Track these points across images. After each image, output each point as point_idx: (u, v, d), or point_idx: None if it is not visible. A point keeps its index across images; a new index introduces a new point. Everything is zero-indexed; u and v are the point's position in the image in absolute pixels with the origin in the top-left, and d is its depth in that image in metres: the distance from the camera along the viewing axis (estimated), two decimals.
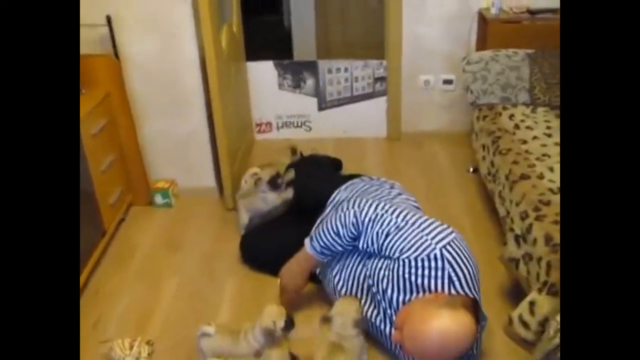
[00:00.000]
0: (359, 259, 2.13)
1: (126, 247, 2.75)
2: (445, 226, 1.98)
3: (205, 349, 1.97)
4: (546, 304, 1.78)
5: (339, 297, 2.15)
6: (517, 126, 2.72)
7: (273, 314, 1.92)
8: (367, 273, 2.07)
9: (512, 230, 2.20)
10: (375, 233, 1.99)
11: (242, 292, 2.43)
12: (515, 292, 2.20)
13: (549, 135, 2.61)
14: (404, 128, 3.72)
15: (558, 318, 1.60)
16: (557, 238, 1.94)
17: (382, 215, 2.00)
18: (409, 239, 1.94)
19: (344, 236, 2.05)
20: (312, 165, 2.97)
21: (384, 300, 1.99)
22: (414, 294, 1.92)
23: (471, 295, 1.89)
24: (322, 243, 2.10)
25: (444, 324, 1.72)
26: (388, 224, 1.99)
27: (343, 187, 2.46)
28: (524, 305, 1.85)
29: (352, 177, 2.60)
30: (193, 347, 2.02)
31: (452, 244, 1.93)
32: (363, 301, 2.08)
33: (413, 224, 1.97)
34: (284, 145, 3.26)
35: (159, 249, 2.74)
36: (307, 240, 2.14)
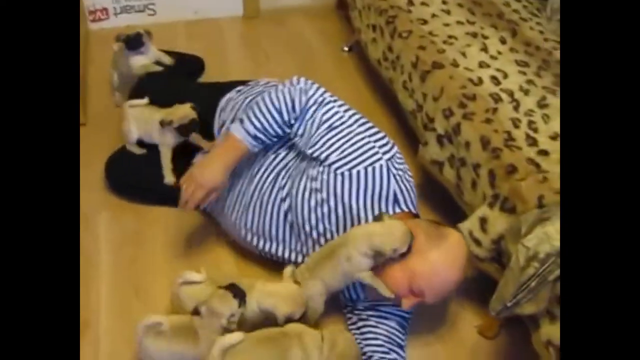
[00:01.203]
0: (271, 176, 1.77)
1: None
2: (384, 133, 1.71)
3: (185, 298, 1.62)
4: (500, 222, 1.61)
5: (243, 233, 1.82)
6: (410, 2, 2.41)
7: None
8: (286, 194, 1.73)
9: (433, 129, 1.96)
10: (316, 119, 1.65)
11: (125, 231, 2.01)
12: (436, 194, 2.01)
13: (448, 12, 2.34)
14: (263, 4, 3.24)
15: (529, 244, 1.42)
16: (495, 141, 1.74)
17: (329, 102, 1.67)
18: (353, 140, 1.64)
19: (286, 114, 1.66)
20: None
21: (308, 233, 1.69)
22: (348, 218, 1.65)
23: (413, 211, 1.70)
24: (258, 124, 1.66)
25: (448, 252, 1.56)
26: (333, 114, 1.66)
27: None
28: (473, 221, 1.67)
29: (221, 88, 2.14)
30: None
31: (397, 157, 1.68)
32: (281, 237, 1.76)
33: (357, 121, 1.68)
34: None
35: None
36: (235, 125, 1.69)
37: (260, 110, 1.66)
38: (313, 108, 1.65)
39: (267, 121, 1.66)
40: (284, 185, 1.72)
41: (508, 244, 1.54)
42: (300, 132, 1.68)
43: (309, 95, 1.65)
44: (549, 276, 1.39)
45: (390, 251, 1.53)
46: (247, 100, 1.94)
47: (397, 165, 1.66)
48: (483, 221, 1.63)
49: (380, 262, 1.56)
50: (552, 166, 1.65)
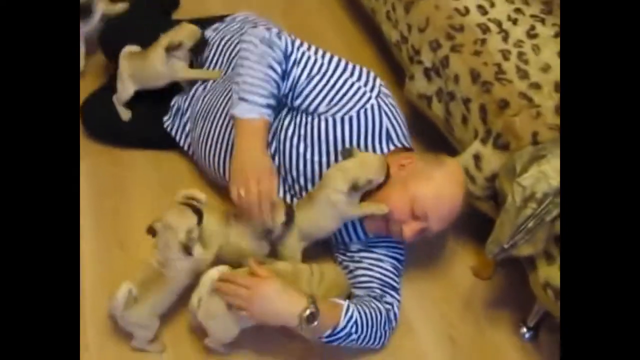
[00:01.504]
0: None
1: None
2: (365, 67, 1.64)
3: None
4: (494, 160, 1.57)
5: (228, 177, 1.74)
6: None
7: None
8: (272, 137, 1.64)
9: (419, 62, 1.89)
10: (295, 74, 1.57)
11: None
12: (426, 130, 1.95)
13: None
14: None
15: (525, 183, 1.38)
16: (486, 74, 1.68)
17: (303, 52, 1.58)
18: (337, 86, 1.57)
19: (279, 70, 1.53)
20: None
21: (295, 179, 1.64)
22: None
23: (407, 145, 1.66)
24: (262, 91, 1.50)
25: (450, 174, 1.54)
26: (313, 64, 1.58)
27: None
28: (467, 158, 1.63)
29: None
30: None
31: (382, 91, 1.62)
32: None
33: (337, 65, 1.60)
34: None
35: None
36: (241, 105, 1.50)
37: (253, 76, 1.51)
38: (292, 68, 1.55)
39: (267, 82, 1.51)
40: (270, 129, 1.64)
41: (502, 183, 1.51)
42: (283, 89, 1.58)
43: (288, 54, 1.55)
44: (546, 217, 1.37)
45: (366, 182, 1.49)
46: (225, 39, 1.84)
47: (386, 100, 1.61)
48: (477, 158, 1.60)
49: (360, 196, 1.52)
50: (545, 100, 1.60)
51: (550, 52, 1.77)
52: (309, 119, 1.59)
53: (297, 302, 1.37)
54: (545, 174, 1.36)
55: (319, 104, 1.57)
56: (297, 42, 1.58)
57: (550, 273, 1.42)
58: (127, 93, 1.89)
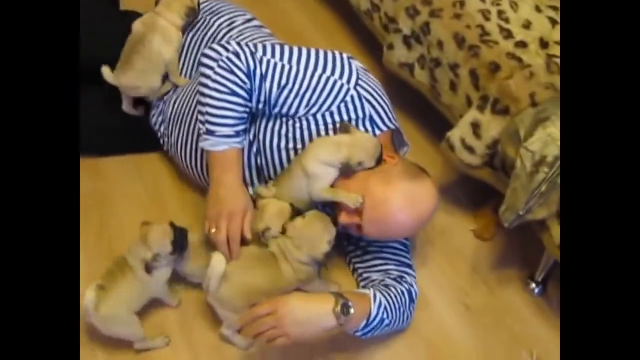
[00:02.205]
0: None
1: None
2: (338, 53, 1.56)
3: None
4: (494, 126, 1.56)
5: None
6: None
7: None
8: (253, 136, 1.58)
9: (398, 31, 1.84)
10: (266, 86, 1.49)
11: None
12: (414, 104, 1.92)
13: None
14: None
15: (534, 148, 1.38)
16: (471, 38, 1.66)
17: (268, 61, 1.48)
18: (312, 86, 1.50)
19: (241, 90, 1.47)
20: None
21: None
22: None
23: (393, 127, 1.61)
24: (228, 121, 1.46)
25: (415, 191, 1.43)
26: (281, 75, 1.49)
27: None
28: (463, 127, 1.61)
29: None
30: None
31: (361, 76, 1.55)
32: (249, 180, 1.64)
33: (306, 64, 1.51)
34: None
35: None
36: (208, 140, 1.48)
37: (216, 107, 1.46)
38: (261, 83, 1.47)
39: (232, 110, 1.46)
40: (251, 130, 1.58)
41: (506, 148, 1.50)
42: (256, 103, 1.51)
43: (253, 69, 1.46)
44: (558, 179, 1.37)
45: (356, 164, 1.45)
46: (190, 40, 1.81)
47: (365, 86, 1.55)
48: (475, 127, 1.58)
49: (344, 175, 1.47)
50: (534, 59, 1.59)
51: (528, 7, 1.75)
52: (290, 122, 1.53)
53: (325, 301, 1.34)
54: (553, 138, 1.36)
55: (297, 108, 1.51)
56: (259, 54, 1.48)
57: None
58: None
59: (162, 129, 1.82)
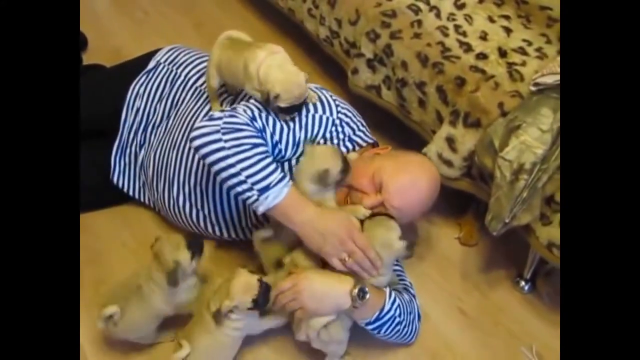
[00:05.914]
0: None
1: None
2: (312, 86, 1.61)
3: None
4: (468, 138, 1.62)
5: (202, 224, 1.73)
6: None
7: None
8: None
9: (360, 55, 1.90)
10: (269, 136, 1.52)
11: None
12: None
13: None
14: None
15: (510, 157, 1.45)
16: (433, 56, 1.72)
17: (262, 117, 1.51)
18: (305, 128, 1.56)
19: (261, 140, 1.44)
20: None
21: None
22: None
23: (371, 141, 1.69)
24: (268, 169, 1.39)
25: (422, 161, 1.60)
26: (274, 126, 1.52)
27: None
28: (438, 142, 1.67)
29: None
30: None
31: (338, 103, 1.62)
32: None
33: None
34: None
35: None
36: (267, 198, 1.38)
37: (252, 165, 1.38)
38: (258, 127, 1.49)
39: (266, 157, 1.41)
40: None
41: (483, 159, 1.56)
42: None
43: (242, 116, 1.45)
44: (538, 184, 1.44)
45: (323, 172, 1.46)
46: (152, 94, 1.82)
47: (343, 112, 1.61)
48: (450, 141, 1.64)
49: (328, 186, 1.49)
50: (496, 68, 1.67)
51: (481, 19, 1.83)
52: (286, 165, 1.58)
53: (344, 282, 1.40)
54: (527, 145, 1.43)
55: (285, 151, 1.54)
56: (249, 111, 1.49)
57: (550, 233, 1.50)
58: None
59: (140, 183, 1.83)
